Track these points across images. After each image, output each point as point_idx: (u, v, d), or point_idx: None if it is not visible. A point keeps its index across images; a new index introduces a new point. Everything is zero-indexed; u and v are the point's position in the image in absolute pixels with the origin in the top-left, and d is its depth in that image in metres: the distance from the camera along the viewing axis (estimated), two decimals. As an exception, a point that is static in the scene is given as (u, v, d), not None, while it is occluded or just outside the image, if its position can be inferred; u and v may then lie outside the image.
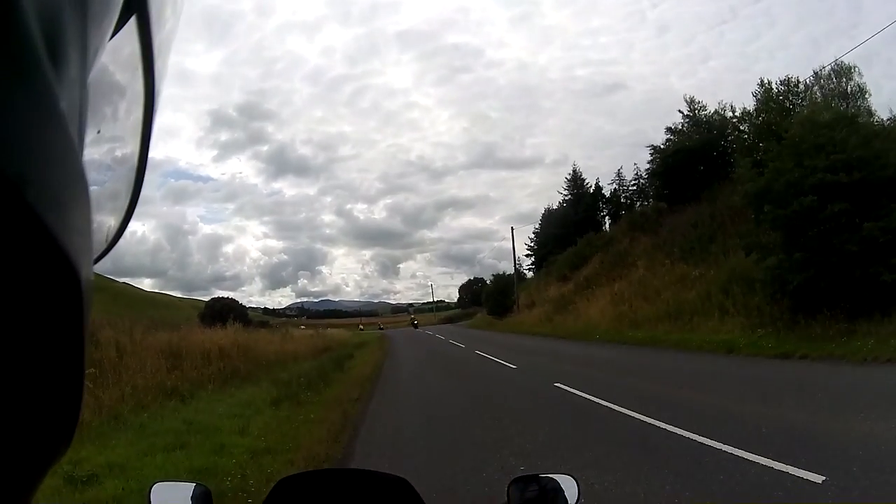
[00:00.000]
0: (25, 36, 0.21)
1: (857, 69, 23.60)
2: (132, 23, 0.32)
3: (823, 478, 4.29)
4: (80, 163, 0.25)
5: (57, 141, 0.23)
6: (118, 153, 0.39)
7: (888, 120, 19.79)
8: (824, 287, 12.20)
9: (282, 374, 14.51)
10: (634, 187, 39.01)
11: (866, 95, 23.23)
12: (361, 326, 79.17)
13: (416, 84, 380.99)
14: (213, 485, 4.97)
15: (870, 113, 20.81)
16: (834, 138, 12.85)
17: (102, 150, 0.37)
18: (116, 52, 0.33)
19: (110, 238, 0.41)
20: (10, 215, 0.21)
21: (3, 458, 0.23)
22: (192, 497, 1.31)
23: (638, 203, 38.22)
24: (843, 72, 23.53)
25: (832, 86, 23.71)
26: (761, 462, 4.83)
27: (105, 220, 0.39)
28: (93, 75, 0.28)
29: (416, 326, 70.35)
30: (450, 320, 74.61)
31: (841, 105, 20.58)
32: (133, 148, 0.40)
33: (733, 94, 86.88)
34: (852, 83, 23.54)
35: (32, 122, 0.21)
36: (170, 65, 0.41)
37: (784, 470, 4.57)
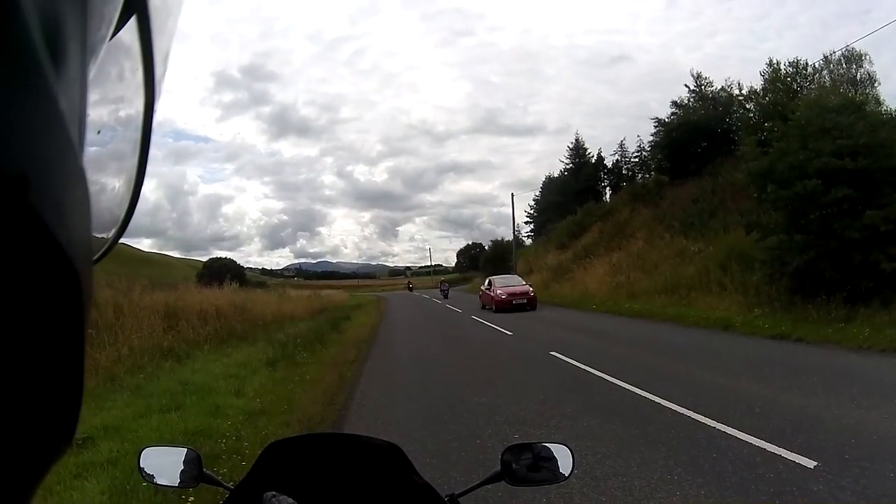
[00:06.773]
0: (25, 36, 0.21)
1: (867, 57, 23.43)
2: (132, 23, 0.32)
3: (815, 463, 4.33)
4: (80, 163, 0.25)
5: (57, 141, 0.23)
6: (118, 153, 0.39)
7: (896, 110, 19.60)
8: (823, 271, 12.22)
9: (278, 334, 14.61)
10: (636, 159, 38.68)
11: (875, 84, 23.07)
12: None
13: (417, 46, 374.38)
14: (207, 447, 5.05)
15: (878, 101, 20.59)
16: (841, 123, 12.69)
17: (103, 150, 0.37)
18: (117, 52, 0.33)
19: (111, 239, 0.41)
20: (11, 215, 0.21)
21: (3, 457, 0.24)
22: (183, 461, 1.34)
23: (639, 175, 37.92)
24: (853, 58, 23.33)
25: (842, 71, 23.50)
26: (754, 443, 4.89)
27: (105, 221, 0.39)
28: (93, 75, 0.28)
29: (410, 289, 70.90)
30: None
31: (849, 91, 20.36)
32: (133, 148, 0.39)
33: (739, 72, 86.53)
34: (862, 70, 23.37)
35: (32, 122, 0.22)
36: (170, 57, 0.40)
37: (776, 452, 4.62)
